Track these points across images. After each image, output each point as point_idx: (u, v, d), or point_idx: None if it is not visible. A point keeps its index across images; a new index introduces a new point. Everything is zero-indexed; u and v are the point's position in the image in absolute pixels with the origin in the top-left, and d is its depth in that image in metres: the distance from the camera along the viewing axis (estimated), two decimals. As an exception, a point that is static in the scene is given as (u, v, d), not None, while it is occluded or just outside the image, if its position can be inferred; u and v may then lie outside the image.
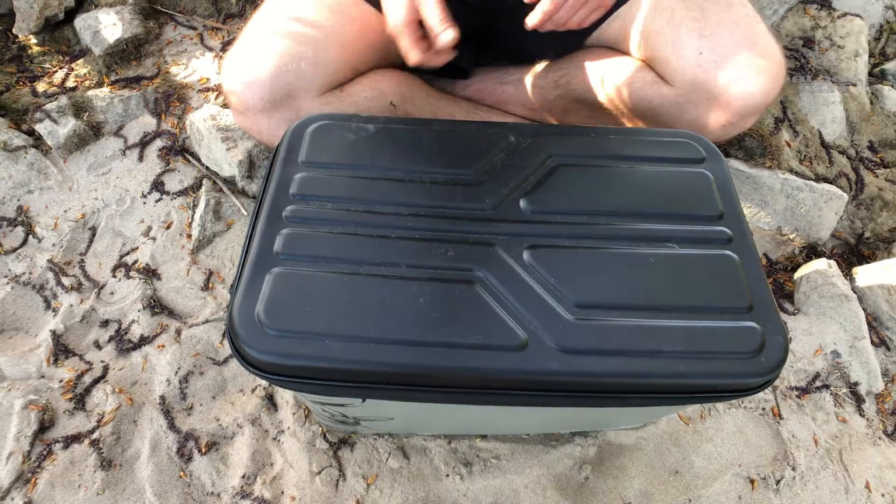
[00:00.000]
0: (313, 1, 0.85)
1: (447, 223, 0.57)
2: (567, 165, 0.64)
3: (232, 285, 0.53)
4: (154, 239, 0.99)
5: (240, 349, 0.49)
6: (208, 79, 1.16)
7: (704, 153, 0.67)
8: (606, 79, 0.89)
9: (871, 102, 1.22)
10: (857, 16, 1.24)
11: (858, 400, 0.92)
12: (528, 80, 0.99)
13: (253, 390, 0.86)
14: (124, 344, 0.90)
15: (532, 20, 0.82)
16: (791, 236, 1.07)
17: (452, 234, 0.57)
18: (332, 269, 0.53)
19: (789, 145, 1.10)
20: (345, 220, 0.57)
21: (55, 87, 1.14)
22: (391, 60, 0.95)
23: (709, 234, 0.59)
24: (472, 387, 0.50)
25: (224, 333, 0.90)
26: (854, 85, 1.19)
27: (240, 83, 0.79)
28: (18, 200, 1.03)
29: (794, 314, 0.98)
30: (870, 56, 1.27)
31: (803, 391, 0.91)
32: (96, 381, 0.87)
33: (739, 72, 0.77)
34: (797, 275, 1.01)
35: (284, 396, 0.85)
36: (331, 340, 0.48)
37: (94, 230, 1.01)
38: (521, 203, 0.60)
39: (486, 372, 0.48)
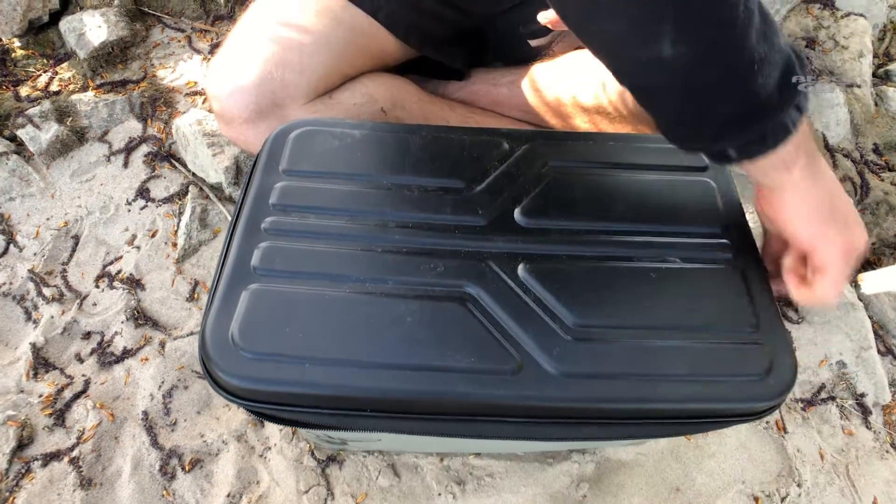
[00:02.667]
0: (300, 5, 0.82)
1: (437, 236, 0.54)
2: (564, 174, 0.61)
3: (208, 296, 0.50)
4: (138, 248, 0.96)
5: (212, 373, 0.46)
6: (196, 82, 1.13)
7: (706, 160, 0.64)
8: (605, 81, 0.86)
9: (876, 104, 1.19)
10: (861, 15, 1.21)
11: (865, 412, 0.89)
12: (524, 82, 0.96)
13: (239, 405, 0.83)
14: (107, 357, 0.87)
15: (547, 17, 0.78)
16: (795, 242, 1.04)
17: (442, 247, 0.54)
18: (314, 285, 0.50)
19: (793, 149, 1.07)
20: (328, 232, 0.54)
21: (39, 92, 1.11)
22: (381, 65, 0.92)
23: (712, 247, 0.56)
24: (464, 414, 0.47)
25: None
26: (858, 86, 1.16)
27: (223, 92, 0.76)
28: (0, 208, 1.00)
29: (798, 323, 0.95)
30: (874, 57, 1.24)
31: (808, 403, 0.88)
32: (77, 396, 0.83)
33: None
34: (801, 282, 0.98)
35: (272, 412, 0.82)
36: (311, 364, 0.45)
37: (76, 239, 0.98)
38: (516, 214, 0.57)
39: (478, 398, 0.45)
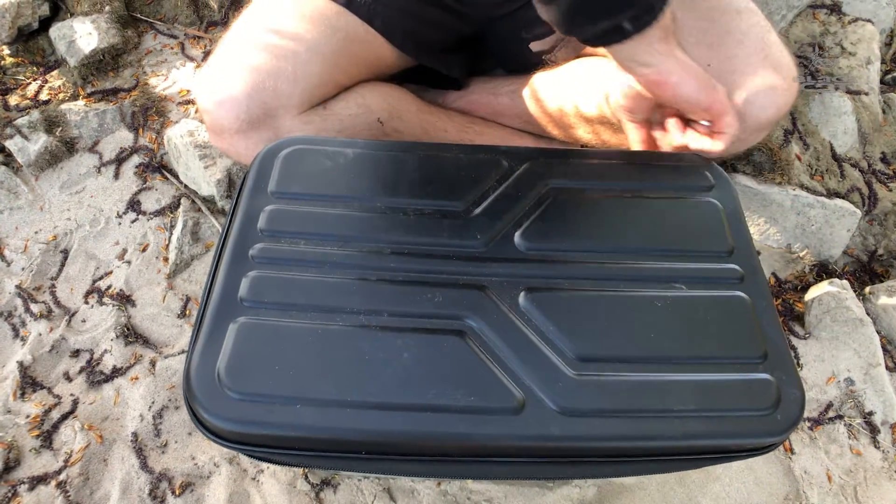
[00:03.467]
0: (294, 12, 0.79)
1: (434, 263, 0.52)
2: (565, 195, 0.58)
3: (193, 330, 0.48)
4: (129, 262, 0.94)
5: (197, 413, 0.43)
6: (189, 90, 1.10)
7: (712, 179, 0.62)
8: (608, 91, 0.84)
9: (884, 111, 1.17)
10: (869, 21, 1.19)
11: (873, 430, 0.87)
12: (525, 91, 0.93)
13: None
14: (96, 376, 0.85)
15: None
16: (801, 254, 1.02)
17: (440, 275, 0.51)
18: (305, 318, 0.47)
19: (799, 159, 1.04)
20: (320, 260, 0.51)
21: (28, 101, 1.08)
22: (378, 74, 0.89)
23: (719, 273, 0.54)
24: (464, 456, 0.44)
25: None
26: (866, 94, 1.13)
27: (213, 102, 0.74)
28: (-13, 221, 0.98)
29: (804, 338, 0.93)
30: (881, 63, 1.22)
31: (816, 422, 0.86)
32: (65, 417, 0.81)
33: (749, 86, 0.72)
34: (808, 296, 0.96)
35: (265, 433, 0.80)
36: (302, 405, 0.43)
37: (66, 253, 0.96)
38: (516, 238, 0.54)
39: (479, 439, 0.43)
